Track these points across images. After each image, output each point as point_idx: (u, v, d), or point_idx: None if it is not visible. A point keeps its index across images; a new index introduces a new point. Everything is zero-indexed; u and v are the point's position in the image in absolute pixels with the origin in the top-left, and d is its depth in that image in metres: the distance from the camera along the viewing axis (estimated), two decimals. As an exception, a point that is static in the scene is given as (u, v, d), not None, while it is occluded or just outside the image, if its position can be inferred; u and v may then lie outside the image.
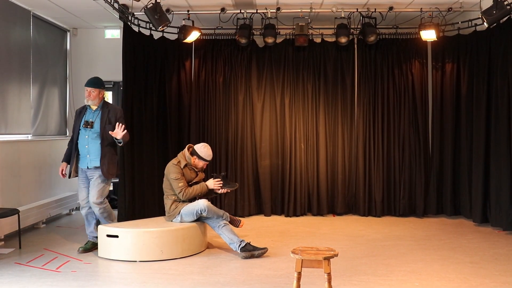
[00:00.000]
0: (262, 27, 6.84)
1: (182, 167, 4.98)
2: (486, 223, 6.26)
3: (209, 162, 5.22)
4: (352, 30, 6.97)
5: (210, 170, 6.93)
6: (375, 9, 6.64)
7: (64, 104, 7.75)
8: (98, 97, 5.02)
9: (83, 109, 5.10)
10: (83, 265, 4.51)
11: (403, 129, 7.02)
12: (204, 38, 7.00)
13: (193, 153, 5.10)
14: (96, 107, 5.04)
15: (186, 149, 5.14)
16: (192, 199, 5.02)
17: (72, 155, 5.06)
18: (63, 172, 5.08)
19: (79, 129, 5.00)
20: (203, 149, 5.11)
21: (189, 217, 4.92)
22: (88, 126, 4.95)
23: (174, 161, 5.04)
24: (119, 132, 4.82)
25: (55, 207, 6.57)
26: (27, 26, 6.51)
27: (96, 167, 4.96)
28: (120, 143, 4.96)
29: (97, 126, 4.96)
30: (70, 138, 5.18)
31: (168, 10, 6.52)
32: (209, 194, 5.18)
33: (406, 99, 7.03)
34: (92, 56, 7.90)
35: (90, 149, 4.94)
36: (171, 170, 4.95)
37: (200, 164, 5.12)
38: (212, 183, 5.08)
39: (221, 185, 5.10)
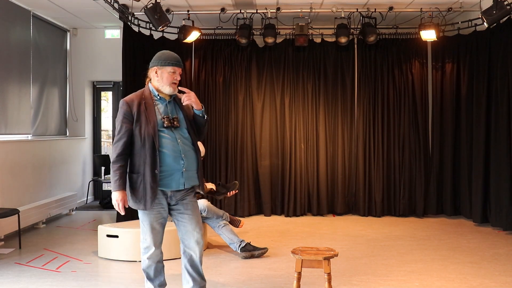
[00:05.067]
0: (262, 27, 6.84)
1: None
2: (486, 223, 6.25)
3: None
4: (352, 30, 6.97)
5: (211, 171, 6.94)
6: (375, 9, 6.64)
7: (64, 104, 7.76)
8: None
9: (144, 99, 3.19)
10: (83, 265, 4.51)
11: (403, 129, 7.02)
12: (204, 38, 7.00)
13: None
14: (171, 96, 3.29)
15: None
16: None
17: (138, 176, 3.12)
18: (123, 205, 3.12)
19: (158, 130, 3.12)
20: None
21: (189, 217, 4.91)
22: (176, 123, 3.18)
23: None
24: (190, 97, 3.22)
25: (55, 207, 6.57)
26: (27, 26, 6.51)
27: (195, 187, 3.29)
28: (204, 117, 3.31)
29: (183, 123, 3.24)
30: (120, 149, 3.12)
31: (168, 10, 6.52)
32: (218, 194, 5.20)
33: (406, 99, 7.03)
34: (92, 56, 7.91)
35: (188, 160, 3.18)
36: None
37: None
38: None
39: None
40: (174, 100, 3.29)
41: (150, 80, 3.27)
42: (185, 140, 3.20)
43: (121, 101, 3.19)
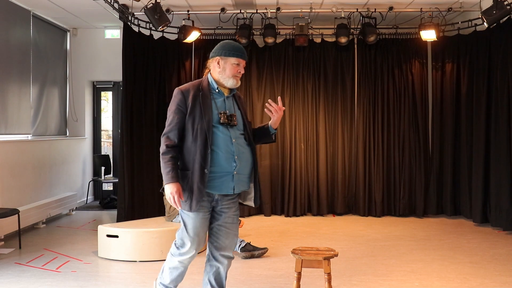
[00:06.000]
0: (262, 27, 6.84)
1: None
2: (486, 223, 6.25)
3: None
4: (352, 30, 6.97)
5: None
6: (375, 9, 6.64)
7: (64, 104, 7.76)
8: None
9: (201, 90, 2.93)
10: (83, 265, 4.51)
11: (403, 129, 7.02)
12: (204, 38, 7.00)
13: None
14: (231, 91, 3.05)
15: None
16: None
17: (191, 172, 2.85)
18: (179, 198, 2.83)
19: (212, 126, 2.86)
20: None
21: (189, 217, 4.90)
22: (233, 121, 2.95)
23: None
24: (280, 114, 3.16)
25: (55, 207, 6.57)
26: (27, 26, 6.51)
27: (241, 195, 3.05)
28: (273, 139, 3.25)
29: (240, 122, 3.01)
30: (170, 140, 2.90)
31: (168, 10, 6.53)
32: None
33: (406, 99, 7.03)
34: (92, 56, 7.91)
35: (242, 163, 2.91)
36: None
37: None
38: None
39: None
40: (233, 96, 3.05)
41: (210, 71, 3.02)
42: (241, 141, 2.94)
43: (176, 90, 2.95)
